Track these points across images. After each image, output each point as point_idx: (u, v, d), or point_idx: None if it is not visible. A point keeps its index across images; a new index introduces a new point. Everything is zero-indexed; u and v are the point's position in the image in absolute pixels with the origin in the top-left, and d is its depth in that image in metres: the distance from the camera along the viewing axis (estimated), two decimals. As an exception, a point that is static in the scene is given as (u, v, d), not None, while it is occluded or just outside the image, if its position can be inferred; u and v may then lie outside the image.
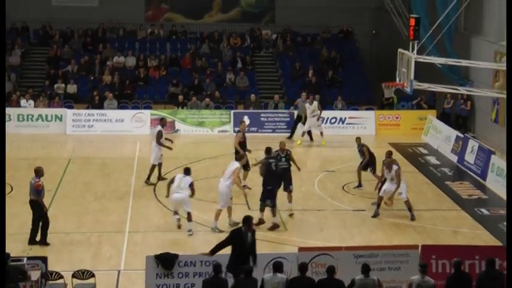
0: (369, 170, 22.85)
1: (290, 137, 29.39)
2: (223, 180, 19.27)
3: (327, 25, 39.34)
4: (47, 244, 17.78)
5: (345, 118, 31.14)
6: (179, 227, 19.04)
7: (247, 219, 15.01)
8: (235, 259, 14.58)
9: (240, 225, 15.26)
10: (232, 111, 31.35)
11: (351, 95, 34.12)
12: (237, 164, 19.44)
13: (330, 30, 39.50)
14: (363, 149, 22.94)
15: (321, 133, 28.84)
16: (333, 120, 31.11)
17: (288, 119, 31.12)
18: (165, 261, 15.05)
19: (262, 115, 31.24)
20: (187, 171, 19.33)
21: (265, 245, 18.14)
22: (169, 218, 20.05)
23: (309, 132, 29.25)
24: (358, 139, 23.31)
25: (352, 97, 34.01)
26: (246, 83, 35.19)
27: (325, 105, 32.42)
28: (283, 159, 20.30)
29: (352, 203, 21.74)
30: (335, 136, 29.99)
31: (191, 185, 19.01)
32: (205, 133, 30.70)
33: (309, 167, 25.76)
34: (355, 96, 34.47)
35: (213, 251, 14.96)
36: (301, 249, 15.70)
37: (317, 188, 23.05)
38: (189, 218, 19.02)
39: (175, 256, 15.13)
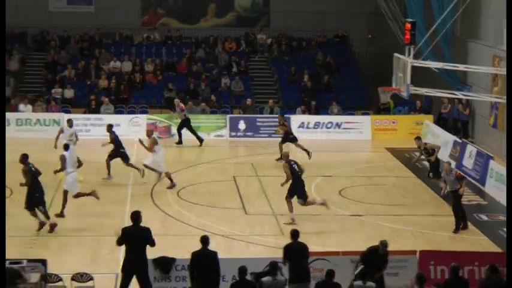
0: (430, 175, 22.71)
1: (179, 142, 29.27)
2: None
3: (322, 30, 39.42)
4: None
5: (341, 123, 31.10)
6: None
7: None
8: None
9: None
10: (228, 116, 31.34)
11: (346, 99, 34.23)
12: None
13: (326, 35, 39.58)
14: (426, 146, 22.73)
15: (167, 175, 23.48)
16: (329, 125, 31.08)
17: (284, 124, 31.13)
18: (163, 265, 15.10)
19: (258, 120, 31.26)
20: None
21: (263, 249, 18.20)
22: (167, 222, 20.09)
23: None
24: (417, 139, 23.23)
25: (348, 102, 34.11)
26: (241, 87, 35.23)
27: (320, 110, 32.59)
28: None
29: (349, 208, 21.73)
30: (331, 141, 30.01)
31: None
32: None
33: (308, 172, 25.73)
34: (351, 101, 34.56)
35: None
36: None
37: (314, 193, 23.03)
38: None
39: (173, 260, 15.19)
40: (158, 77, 35.57)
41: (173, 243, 18.47)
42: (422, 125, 30.48)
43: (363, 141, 29.96)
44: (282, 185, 20.12)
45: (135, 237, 14.30)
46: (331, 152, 28.59)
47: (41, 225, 19.03)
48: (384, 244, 14.96)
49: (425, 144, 23.16)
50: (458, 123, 30.25)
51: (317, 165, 26.71)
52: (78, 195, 20.32)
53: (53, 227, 19.00)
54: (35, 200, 18.76)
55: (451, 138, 27.68)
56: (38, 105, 31.55)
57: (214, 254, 14.22)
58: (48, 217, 19.07)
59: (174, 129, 30.58)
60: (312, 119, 31.21)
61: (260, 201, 22.32)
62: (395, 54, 24.06)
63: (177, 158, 27.76)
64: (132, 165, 23.92)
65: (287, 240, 18.55)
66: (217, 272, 14.10)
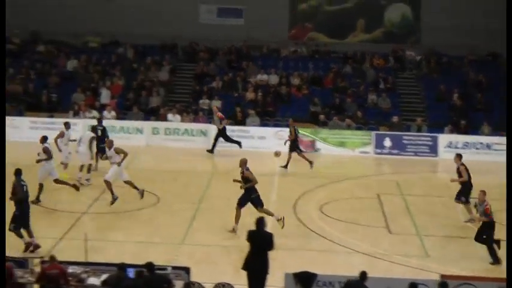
0: (462, 198, 21.80)
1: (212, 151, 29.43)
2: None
3: (474, 47, 38.27)
4: None
5: (492, 144, 30.22)
6: None
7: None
8: None
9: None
10: (373, 133, 31.03)
11: (498, 120, 33.00)
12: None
13: (478, 53, 38.43)
14: (460, 167, 21.85)
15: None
16: (479, 146, 30.27)
17: (431, 143, 30.49)
18: (304, 280, 14.99)
19: (404, 138, 30.78)
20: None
21: (406, 270, 17.79)
22: (310, 237, 20.00)
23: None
24: (457, 156, 22.19)
25: (500, 123, 32.86)
26: (388, 104, 34.72)
27: (470, 130, 31.66)
28: None
29: (498, 233, 20.87)
30: (480, 162, 29.08)
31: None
32: (346, 153, 30.50)
33: (453, 193, 25.04)
34: (504, 122, 33.26)
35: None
36: (443, 276, 15.21)
37: (461, 215, 22.35)
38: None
39: (314, 275, 15.04)
40: (304, 91, 35.62)
41: (315, 258, 18.40)
42: None
43: (514, 165, 28.85)
44: (241, 187, 20.19)
45: (258, 240, 15.24)
46: (479, 174, 27.62)
47: (27, 246, 17.76)
48: None
49: (462, 164, 21.87)
50: None
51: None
52: (58, 182, 21.79)
53: (28, 246, 17.78)
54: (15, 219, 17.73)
55: None
56: (186, 116, 32.31)
57: None
58: (22, 237, 17.85)
59: (318, 144, 30.57)
60: (461, 138, 30.48)
61: (404, 220, 21.87)
62: (553, 74, 23.04)
63: (321, 172, 27.66)
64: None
65: (432, 262, 18.20)
66: None
